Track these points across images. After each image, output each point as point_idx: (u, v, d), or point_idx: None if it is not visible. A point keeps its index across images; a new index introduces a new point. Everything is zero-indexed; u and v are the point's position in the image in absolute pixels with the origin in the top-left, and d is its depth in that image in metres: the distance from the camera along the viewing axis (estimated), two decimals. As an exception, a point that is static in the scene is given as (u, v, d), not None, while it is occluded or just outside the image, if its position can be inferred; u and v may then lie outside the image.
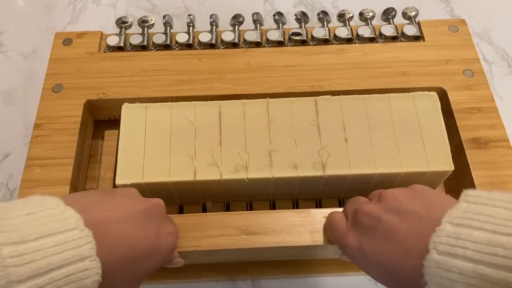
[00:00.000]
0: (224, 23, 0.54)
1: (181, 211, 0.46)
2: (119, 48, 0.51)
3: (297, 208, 0.46)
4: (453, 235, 0.26)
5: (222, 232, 0.39)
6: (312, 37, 0.52)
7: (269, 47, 0.52)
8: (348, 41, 0.52)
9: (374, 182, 0.42)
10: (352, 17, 0.54)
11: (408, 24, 0.53)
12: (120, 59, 0.50)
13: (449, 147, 0.42)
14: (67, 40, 0.51)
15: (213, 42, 0.52)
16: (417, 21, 0.53)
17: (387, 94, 0.45)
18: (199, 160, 0.42)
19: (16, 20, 0.68)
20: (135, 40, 0.51)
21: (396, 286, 0.31)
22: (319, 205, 0.46)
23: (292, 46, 0.52)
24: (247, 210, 0.46)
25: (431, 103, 0.45)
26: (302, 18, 0.54)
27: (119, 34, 0.52)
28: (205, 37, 0.52)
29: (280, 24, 0.54)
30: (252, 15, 0.54)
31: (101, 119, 0.50)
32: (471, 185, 0.42)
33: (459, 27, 0.52)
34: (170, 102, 0.45)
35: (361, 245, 0.32)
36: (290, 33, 0.52)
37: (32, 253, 0.24)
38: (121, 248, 0.29)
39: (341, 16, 0.54)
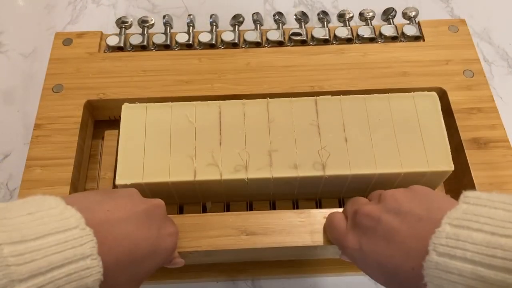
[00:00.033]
0: (224, 23, 0.54)
1: (181, 211, 0.46)
2: (119, 48, 0.51)
3: (297, 208, 0.46)
4: (453, 236, 0.26)
5: (222, 233, 0.39)
6: (312, 37, 0.52)
7: (269, 47, 0.52)
8: (348, 41, 0.52)
9: (374, 182, 0.43)
10: (352, 17, 0.54)
11: (408, 24, 0.53)
12: (120, 59, 0.50)
13: (449, 147, 0.42)
14: (67, 40, 0.51)
15: (213, 42, 0.52)
16: (417, 21, 0.53)
17: (387, 94, 0.45)
18: (199, 160, 0.42)
19: (16, 20, 0.68)
20: (135, 40, 0.51)
21: (396, 287, 0.31)
22: (319, 205, 0.46)
23: (292, 46, 0.52)
24: (247, 210, 0.46)
25: (431, 103, 0.45)
26: (302, 18, 0.54)
27: (119, 34, 0.52)
28: (205, 37, 0.52)
29: (280, 24, 0.54)
30: (252, 15, 0.54)
31: (101, 119, 0.50)
32: (471, 185, 0.42)
33: (459, 27, 0.52)
34: (170, 102, 0.45)
35: (361, 245, 0.32)
36: (290, 33, 0.52)
37: (33, 252, 0.24)
38: (121, 249, 0.29)
39: (341, 16, 0.54)
